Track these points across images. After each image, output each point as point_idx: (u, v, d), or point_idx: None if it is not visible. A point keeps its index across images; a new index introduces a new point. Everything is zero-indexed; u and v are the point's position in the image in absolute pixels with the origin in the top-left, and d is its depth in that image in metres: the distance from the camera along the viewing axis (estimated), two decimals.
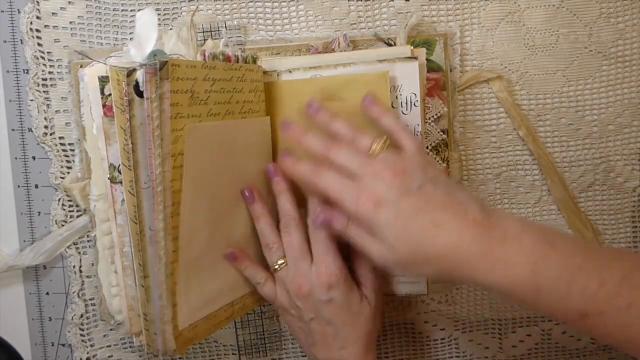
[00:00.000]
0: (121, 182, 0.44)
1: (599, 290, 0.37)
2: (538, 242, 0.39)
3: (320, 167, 0.45)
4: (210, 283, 0.48)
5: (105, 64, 0.44)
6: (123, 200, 0.45)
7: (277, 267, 0.49)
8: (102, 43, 0.54)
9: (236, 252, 0.49)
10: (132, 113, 0.40)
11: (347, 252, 0.50)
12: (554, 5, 0.55)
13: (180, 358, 0.60)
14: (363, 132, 0.46)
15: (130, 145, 0.40)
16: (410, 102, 0.51)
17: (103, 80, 0.45)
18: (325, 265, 0.47)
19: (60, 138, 0.55)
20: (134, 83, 0.40)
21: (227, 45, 0.52)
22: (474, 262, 0.39)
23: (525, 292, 0.38)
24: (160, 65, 0.39)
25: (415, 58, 0.50)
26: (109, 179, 0.46)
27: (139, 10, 0.53)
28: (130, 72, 0.40)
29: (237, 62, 0.50)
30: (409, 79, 0.50)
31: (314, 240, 0.48)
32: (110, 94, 0.43)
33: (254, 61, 0.52)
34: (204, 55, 0.47)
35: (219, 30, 0.54)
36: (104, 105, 0.45)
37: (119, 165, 0.43)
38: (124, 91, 0.40)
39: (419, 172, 0.42)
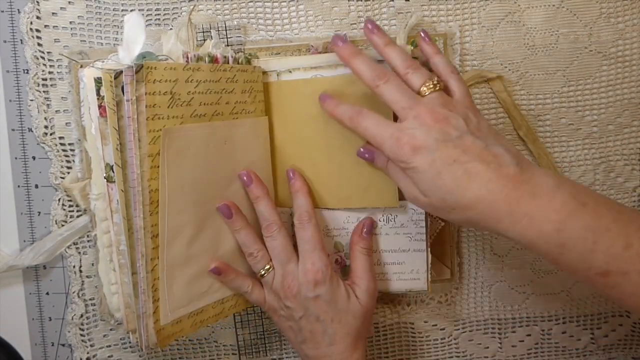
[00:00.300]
0: (115, 182, 0.45)
1: (625, 252, 0.38)
2: (569, 200, 0.39)
3: (359, 111, 0.44)
4: (197, 281, 0.49)
5: (95, 67, 0.45)
6: (118, 199, 0.46)
7: (263, 273, 0.50)
8: (102, 43, 0.54)
9: (220, 267, 0.49)
10: (120, 114, 0.42)
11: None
12: (554, 5, 0.55)
13: (180, 358, 0.60)
14: (417, 67, 0.45)
15: (119, 145, 0.43)
16: None
17: (98, 82, 0.46)
18: (312, 262, 0.49)
19: (60, 138, 0.55)
20: (122, 85, 0.42)
21: (218, 47, 0.52)
22: (500, 214, 0.39)
23: (549, 248, 0.39)
24: (137, 68, 0.41)
25: (416, 58, 0.50)
26: (105, 178, 0.47)
27: (139, 10, 0.54)
28: (118, 74, 0.42)
29: (228, 63, 0.50)
30: None
31: (300, 238, 0.50)
32: (104, 95, 0.45)
33: (249, 62, 0.52)
34: (187, 58, 0.48)
35: (218, 30, 0.54)
36: (99, 106, 0.46)
37: (113, 164, 0.45)
38: (114, 93, 0.42)
39: (461, 121, 0.42)
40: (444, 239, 0.57)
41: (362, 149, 0.48)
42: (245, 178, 0.50)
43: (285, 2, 0.55)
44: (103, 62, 0.46)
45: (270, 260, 0.50)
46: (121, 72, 0.42)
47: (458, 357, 0.61)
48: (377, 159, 0.47)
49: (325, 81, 0.51)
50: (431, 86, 0.43)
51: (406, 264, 0.54)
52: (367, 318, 0.51)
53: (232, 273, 0.50)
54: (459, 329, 0.60)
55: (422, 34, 0.49)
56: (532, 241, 0.39)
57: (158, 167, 0.43)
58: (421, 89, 0.44)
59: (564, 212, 0.39)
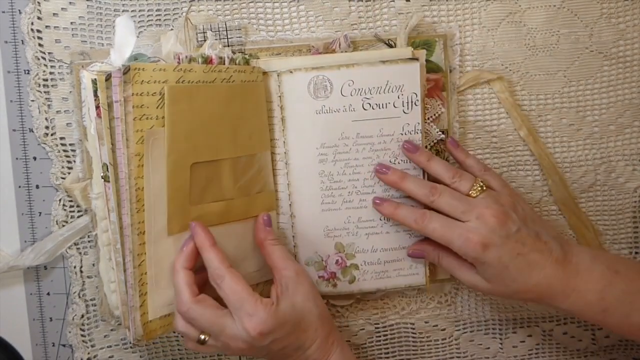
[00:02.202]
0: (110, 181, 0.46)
1: None
2: (605, 270, 0.47)
3: (424, 214, 0.49)
4: None
5: (88, 69, 0.47)
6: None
7: (203, 338, 0.46)
8: (102, 44, 0.54)
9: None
10: (111, 115, 0.44)
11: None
12: (554, 6, 0.55)
13: (180, 358, 0.60)
14: (461, 175, 0.50)
15: (111, 145, 0.44)
16: (411, 102, 0.51)
17: (95, 84, 0.47)
18: (247, 317, 0.44)
19: (61, 138, 0.55)
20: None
21: (214, 48, 0.52)
22: (555, 293, 0.47)
23: (595, 313, 0.47)
24: (124, 70, 0.42)
25: (417, 59, 0.51)
26: (102, 177, 0.48)
27: (139, 11, 0.54)
28: (109, 76, 0.44)
29: (223, 63, 0.50)
30: (410, 80, 0.51)
31: (225, 296, 0.45)
32: (99, 96, 0.46)
33: (247, 62, 0.52)
34: (178, 59, 0.48)
35: (219, 31, 0.54)
36: (96, 107, 0.47)
37: (108, 164, 0.46)
38: (107, 94, 0.44)
39: (514, 214, 0.48)
40: None
41: (412, 251, 0.53)
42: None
43: (285, 2, 0.55)
44: (102, 63, 0.47)
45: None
46: (111, 74, 0.43)
47: (459, 357, 0.61)
48: (427, 256, 0.53)
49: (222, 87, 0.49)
50: (478, 188, 0.49)
51: (405, 260, 0.54)
52: (313, 300, 0.48)
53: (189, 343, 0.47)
54: (459, 330, 0.60)
55: (451, 142, 0.53)
56: (580, 310, 0.47)
57: (143, 166, 0.44)
58: (470, 192, 0.49)
59: (602, 282, 0.47)
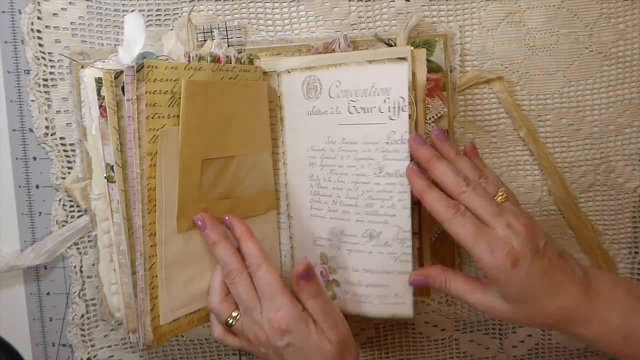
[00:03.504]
0: (116, 181, 0.45)
1: None
2: (626, 295, 0.43)
3: (455, 208, 0.44)
4: (197, 281, 0.49)
5: (95, 67, 0.46)
6: (119, 199, 0.46)
7: (231, 321, 0.47)
8: (102, 44, 0.54)
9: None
10: (120, 114, 0.43)
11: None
12: (554, 6, 0.55)
13: (180, 358, 0.60)
14: (487, 177, 0.46)
15: (119, 145, 0.43)
16: (398, 107, 0.47)
17: (99, 82, 0.46)
18: (274, 309, 0.45)
19: (61, 138, 0.55)
20: (122, 84, 0.42)
21: (220, 47, 0.52)
22: (577, 317, 0.43)
23: (617, 340, 0.43)
24: (138, 68, 0.41)
25: (405, 59, 0.46)
26: (105, 178, 0.47)
27: (139, 10, 0.54)
28: (118, 74, 0.43)
29: (230, 62, 0.50)
30: (398, 82, 0.46)
31: (258, 286, 0.46)
32: (105, 95, 0.45)
33: (251, 62, 0.52)
34: (189, 57, 0.48)
35: (219, 31, 0.54)
36: (100, 106, 0.46)
37: (114, 164, 0.45)
38: (114, 93, 0.43)
39: (539, 228, 0.44)
40: (445, 239, 0.57)
41: (414, 279, 0.48)
42: (199, 223, 0.47)
43: (285, 2, 0.55)
44: (104, 62, 0.47)
45: (237, 307, 0.47)
46: (121, 72, 0.42)
47: (459, 357, 0.61)
48: (433, 282, 0.47)
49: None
50: (504, 194, 0.46)
51: (390, 287, 0.49)
52: (344, 352, 0.46)
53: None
54: (459, 330, 0.60)
55: (469, 149, 0.49)
56: (602, 336, 0.43)
57: (155, 165, 0.44)
58: (496, 197, 0.45)
59: (625, 308, 0.43)
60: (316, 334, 0.45)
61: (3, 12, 0.54)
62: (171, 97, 0.44)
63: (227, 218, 0.48)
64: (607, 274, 0.45)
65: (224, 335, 0.49)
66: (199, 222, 0.47)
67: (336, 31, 0.55)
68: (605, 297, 0.43)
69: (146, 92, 0.42)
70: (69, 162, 0.55)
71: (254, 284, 0.46)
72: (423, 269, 0.48)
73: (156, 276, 0.45)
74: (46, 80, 0.54)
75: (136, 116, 0.42)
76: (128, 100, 0.42)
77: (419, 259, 0.53)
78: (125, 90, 0.42)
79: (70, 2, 0.54)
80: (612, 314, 0.42)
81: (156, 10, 0.54)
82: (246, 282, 0.46)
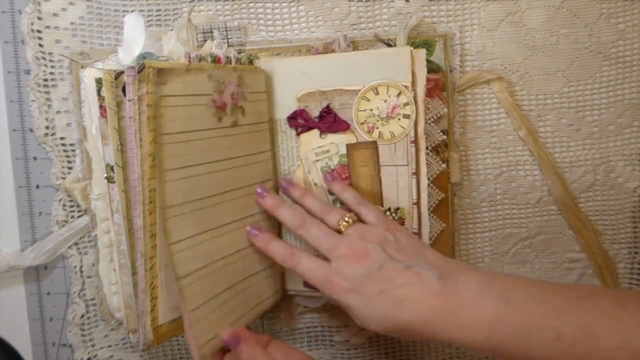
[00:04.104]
0: (116, 182, 0.45)
1: (556, 343, 0.39)
2: (494, 302, 0.41)
3: (294, 251, 0.47)
4: None
5: (95, 67, 0.46)
6: (119, 199, 0.46)
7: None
8: (102, 44, 0.54)
9: (237, 335, 0.47)
10: (120, 114, 0.43)
11: None
12: (554, 6, 0.55)
13: (180, 358, 0.60)
14: (330, 209, 0.50)
15: (119, 145, 0.43)
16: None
17: (99, 82, 0.46)
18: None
19: (61, 138, 0.55)
20: (123, 85, 0.42)
21: (220, 47, 0.52)
22: (436, 330, 0.42)
23: (487, 350, 0.41)
24: (139, 68, 0.41)
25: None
26: (105, 178, 0.47)
27: (139, 11, 0.54)
28: (118, 74, 0.43)
29: (230, 63, 0.50)
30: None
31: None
32: (105, 96, 0.45)
33: (250, 62, 0.52)
34: (189, 58, 0.48)
35: (219, 31, 0.54)
36: (100, 107, 0.46)
37: (114, 165, 0.45)
38: (115, 93, 0.42)
39: (378, 249, 0.45)
40: (444, 239, 0.57)
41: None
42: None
43: (285, 2, 0.55)
44: (103, 62, 0.47)
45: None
46: (122, 72, 0.42)
47: (459, 357, 0.61)
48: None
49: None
50: (345, 222, 0.48)
51: None
52: None
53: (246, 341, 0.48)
54: None
55: (326, 178, 0.53)
56: (471, 347, 0.41)
57: (156, 166, 0.43)
58: (339, 226, 0.48)
59: (490, 317, 0.40)
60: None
61: (3, 12, 0.54)
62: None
63: (258, 188, 0.51)
64: (480, 278, 0.43)
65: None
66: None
67: (336, 31, 0.55)
68: (468, 307, 0.41)
69: (148, 93, 0.42)
70: (69, 162, 0.55)
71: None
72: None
73: (157, 276, 0.45)
74: (46, 80, 0.54)
75: (137, 117, 0.42)
76: (129, 100, 0.42)
77: None
78: (126, 90, 0.42)
79: (70, 3, 0.54)
80: (476, 325, 0.41)
81: (156, 11, 0.54)
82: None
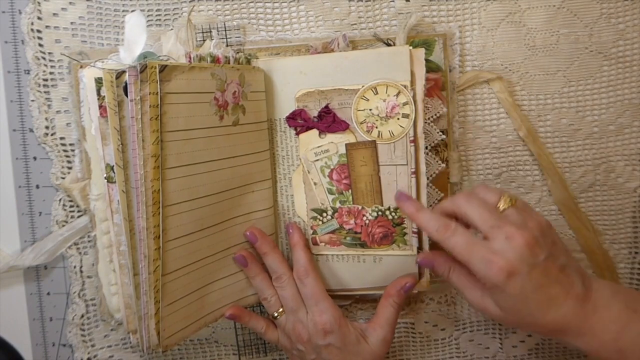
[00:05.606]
0: (116, 182, 0.45)
1: None
2: (623, 309, 0.43)
3: (445, 228, 0.44)
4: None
5: (95, 66, 0.45)
6: (119, 199, 0.45)
7: (276, 315, 0.53)
8: (102, 44, 0.54)
9: (235, 313, 0.53)
10: (121, 114, 0.42)
11: None
12: (554, 6, 0.55)
13: (180, 358, 0.60)
14: (488, 188, 0.47)
15: (120, 145, 0.42)
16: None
17: (99, 82, 0.45)
18: (319, 313, 0.51)
19: (61, 138, 0.55)
20: (124, 85, 0.41)
21: (219, 47, 0.52)
22: (569, 330, 0.43)
23: (610, 353, 0.43)
24: (141, 68, 0.40)
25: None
26: (105, 178, 0.47)
27: (139, 10, 0.54)
28: (119, 74, 0.42)
29: (229, 63, 0.50)
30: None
31: (303, 293, 0.52)
32: (105, 96, 0.44)
33: (248, 62, 0.52)
34: (189, 58, 0.48)
35: (218, 31, 0.54)
36: (100, 106, 0.46)
37: (114, 165, 0.44)
38: (115, 93, 0.42)
39: (544, 240, 0.43)
40: None
41: (421, 259, 0.49)
42: (250, 237, 0.52)
43: (285, 2, 0.55)
44: (103, 62, 0.46)
45: (282, 305, 0.53)
46: (123, 72, 0.42)
47: (459, 357, 0.61)
48: (437, 267, 0.47)
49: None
50: (507, 200, 0.45)
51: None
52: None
53: (247, 316, 0.54)
54: (459, 329, 0.60)
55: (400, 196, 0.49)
56: (595, 350, 0.43)
57: (159, 167, 0.43)
58: (498, 204, 0.45)
59: (620, 322, 0.43)
60: (355, 336, 0.52)
61: (3, 12, 0.54)
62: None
63: (289, 225, 0.54)
64: (609, 286, 0.45)
65: (266, 331, 0.54)
66: (250, 236, 0.52)
67: (336, 31, 0.55)
68: (602, 311, 0.43)
69: (150, 93, 0.41)
70: (69, 162, 0.56)
71: (300, 290, 0.52)
72: (431, 253, 0.49)
73: (159, 279, 0.45)
74: (46, 80, 0.55)
75: (139, 117, 0.41)
76: (131, 100, 0.41)
77: None
78: (128, 90, 0.41)
79: (70, 2, 0.54)
80: (606, 328, 0.42)
81: (156, 10, 0.54)
82: (293, 286, 0.52)
